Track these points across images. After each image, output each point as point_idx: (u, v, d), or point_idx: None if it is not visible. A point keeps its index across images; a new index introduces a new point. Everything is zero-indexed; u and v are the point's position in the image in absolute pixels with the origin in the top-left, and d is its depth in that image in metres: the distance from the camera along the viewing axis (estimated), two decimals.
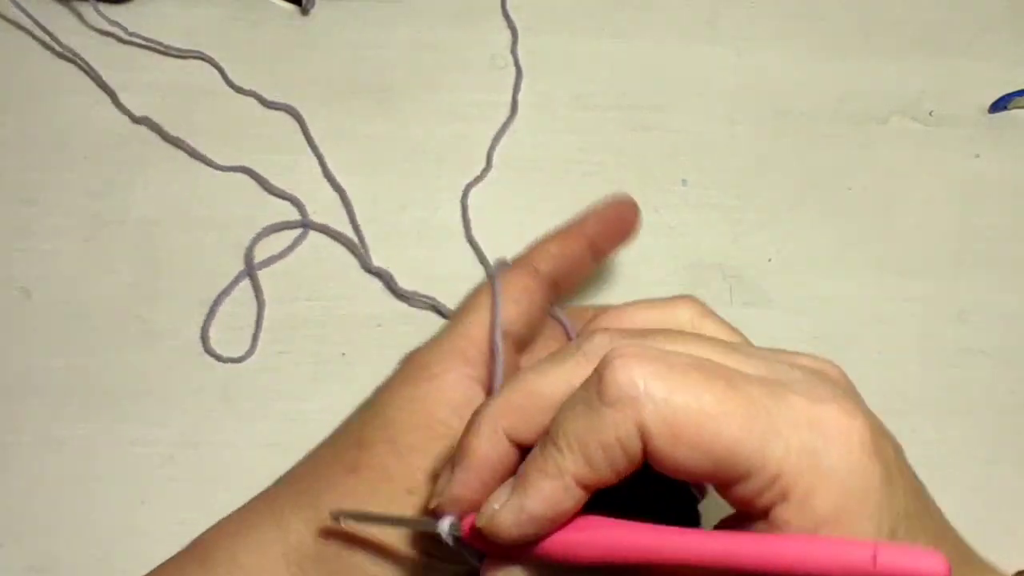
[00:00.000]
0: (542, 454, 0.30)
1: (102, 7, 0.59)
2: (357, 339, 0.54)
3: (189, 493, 0.50)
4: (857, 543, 0.27)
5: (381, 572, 0.41)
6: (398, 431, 0.42)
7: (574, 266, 0.49)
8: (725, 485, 0.29)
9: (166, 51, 0.60)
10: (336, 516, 0.39)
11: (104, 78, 0.59)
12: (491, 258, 0.56)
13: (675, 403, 0.28)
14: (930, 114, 0.61)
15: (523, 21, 0.62)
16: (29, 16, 0.58)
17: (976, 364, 0.56)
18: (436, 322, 0.54)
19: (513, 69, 0.61)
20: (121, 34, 0.59)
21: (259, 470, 0.47)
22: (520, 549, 0.31)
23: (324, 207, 0.57)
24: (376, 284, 0.55)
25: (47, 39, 0.59)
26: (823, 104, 0.61)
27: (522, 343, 0.45)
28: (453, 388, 0.42)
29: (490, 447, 0.32)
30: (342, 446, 0.44)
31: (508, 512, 0.30)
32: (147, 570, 0.47)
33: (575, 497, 0.30)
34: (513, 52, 0.61)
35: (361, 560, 0.42)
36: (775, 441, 0.28)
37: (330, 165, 0.58)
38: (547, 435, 0.30)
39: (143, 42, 0.60)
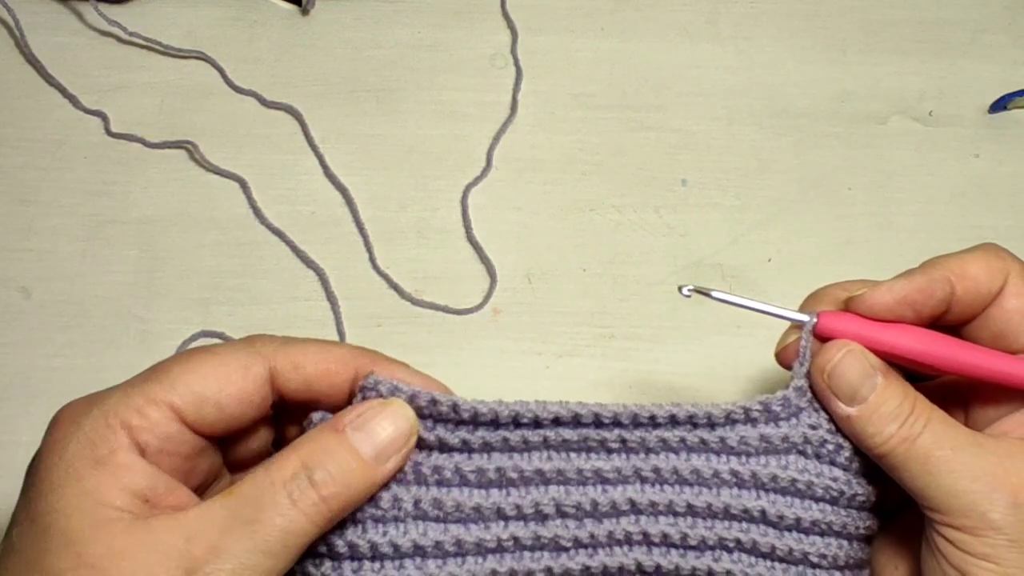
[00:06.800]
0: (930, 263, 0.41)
1: (102, 7, 0.59)
2: (357, 338, 0.54)
3: None
4: None
5: None
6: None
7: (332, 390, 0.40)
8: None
9: (166, 51, 0.60)
10: (695, 289, 0.42)
11: (104, 78, 0.59)
12: (492, 258, 0.56)
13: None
14: (930, 114, 0.61)
15: (523, 21, 0.62)
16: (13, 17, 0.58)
17: None
18: (436, 322, 0.55)
19: (513, 69, 0.61)
20: (121, 34, 0.59)
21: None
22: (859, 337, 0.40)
23: (325, 207, 0.57)
24: (379, 284, 0.55)
25: (47, 39, 0.59)
26: (823, 104, 0.61)
27: (221, 426, 0.38)
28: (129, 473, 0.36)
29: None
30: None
31: (888, 287, 0.40)
32: None
33: (943, 293, 0.40)
34: (513, 52, 0.61)
35: None
36: None
37: (330, 165, 0.58)
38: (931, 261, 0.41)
39: (143, 42, 0.60)
